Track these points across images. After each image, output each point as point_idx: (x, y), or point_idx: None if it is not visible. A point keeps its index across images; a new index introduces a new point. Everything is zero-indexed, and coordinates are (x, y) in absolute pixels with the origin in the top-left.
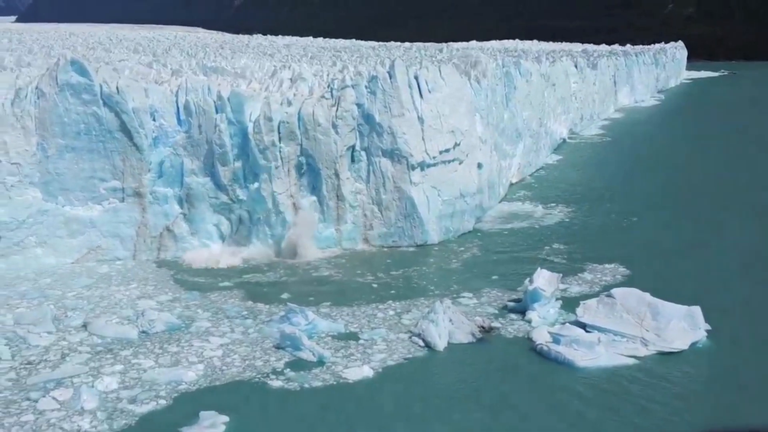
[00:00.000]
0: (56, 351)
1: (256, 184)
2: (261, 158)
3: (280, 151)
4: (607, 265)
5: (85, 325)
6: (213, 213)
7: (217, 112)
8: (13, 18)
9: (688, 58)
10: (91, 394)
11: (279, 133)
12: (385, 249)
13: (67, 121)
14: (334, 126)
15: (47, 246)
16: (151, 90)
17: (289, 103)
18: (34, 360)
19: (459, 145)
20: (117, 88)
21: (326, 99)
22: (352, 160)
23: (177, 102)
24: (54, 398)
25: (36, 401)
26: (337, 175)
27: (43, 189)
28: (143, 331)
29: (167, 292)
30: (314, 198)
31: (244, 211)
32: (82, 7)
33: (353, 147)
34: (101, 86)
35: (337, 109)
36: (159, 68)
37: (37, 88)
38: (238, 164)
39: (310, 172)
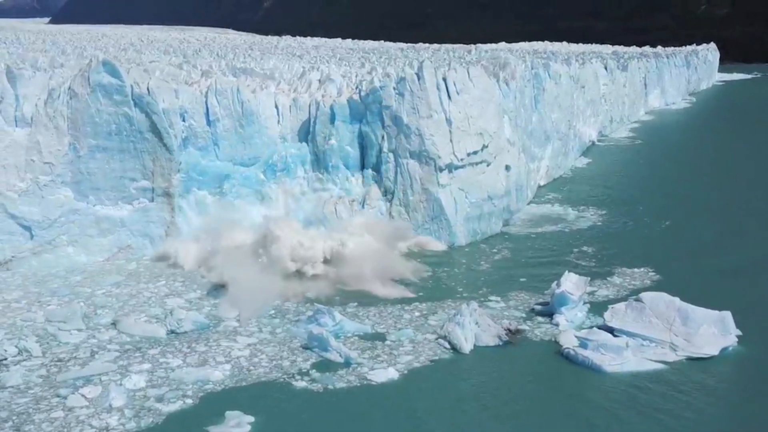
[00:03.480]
0: (86, 348)
1: None
2: None
3: None
4: (636, 269)
5: (114, 323)
6: None
7: None
8: (47, 19)
9: (722, 59)
10: (119, 392)
11: None
12: (412, 250)
13: (99, 122)
14: None
15: (78, 245)
16: (181, 91)
17: None
18: (64, 357)
19: (487, 147)
20: (148, 88)
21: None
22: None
23: (207, 103)
24: (83, 395)
25: (65, 398)
26: None
27: (75, 188)
28: (171, 330)
29: (195, 290)
30: None
31: None
32: (114, 9)
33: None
34: (132, 87)
35: None
36: (189, 69)
37: (69, 88)
38: None
39: None
